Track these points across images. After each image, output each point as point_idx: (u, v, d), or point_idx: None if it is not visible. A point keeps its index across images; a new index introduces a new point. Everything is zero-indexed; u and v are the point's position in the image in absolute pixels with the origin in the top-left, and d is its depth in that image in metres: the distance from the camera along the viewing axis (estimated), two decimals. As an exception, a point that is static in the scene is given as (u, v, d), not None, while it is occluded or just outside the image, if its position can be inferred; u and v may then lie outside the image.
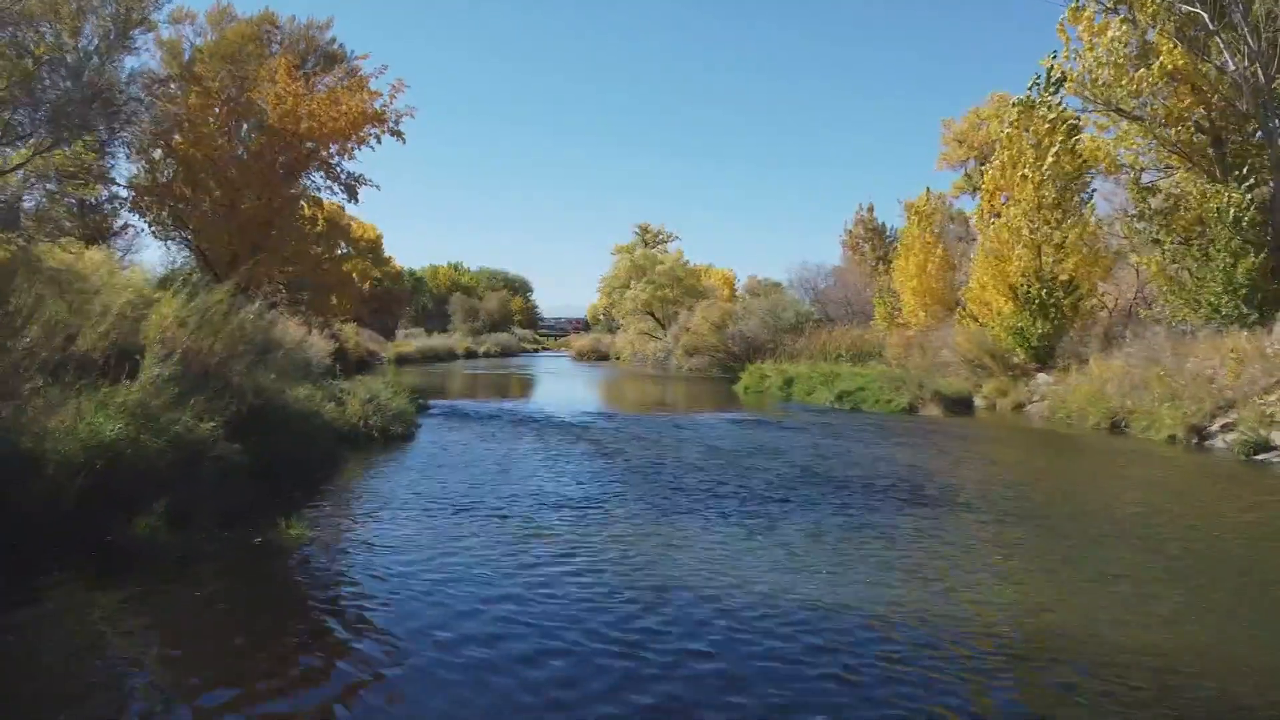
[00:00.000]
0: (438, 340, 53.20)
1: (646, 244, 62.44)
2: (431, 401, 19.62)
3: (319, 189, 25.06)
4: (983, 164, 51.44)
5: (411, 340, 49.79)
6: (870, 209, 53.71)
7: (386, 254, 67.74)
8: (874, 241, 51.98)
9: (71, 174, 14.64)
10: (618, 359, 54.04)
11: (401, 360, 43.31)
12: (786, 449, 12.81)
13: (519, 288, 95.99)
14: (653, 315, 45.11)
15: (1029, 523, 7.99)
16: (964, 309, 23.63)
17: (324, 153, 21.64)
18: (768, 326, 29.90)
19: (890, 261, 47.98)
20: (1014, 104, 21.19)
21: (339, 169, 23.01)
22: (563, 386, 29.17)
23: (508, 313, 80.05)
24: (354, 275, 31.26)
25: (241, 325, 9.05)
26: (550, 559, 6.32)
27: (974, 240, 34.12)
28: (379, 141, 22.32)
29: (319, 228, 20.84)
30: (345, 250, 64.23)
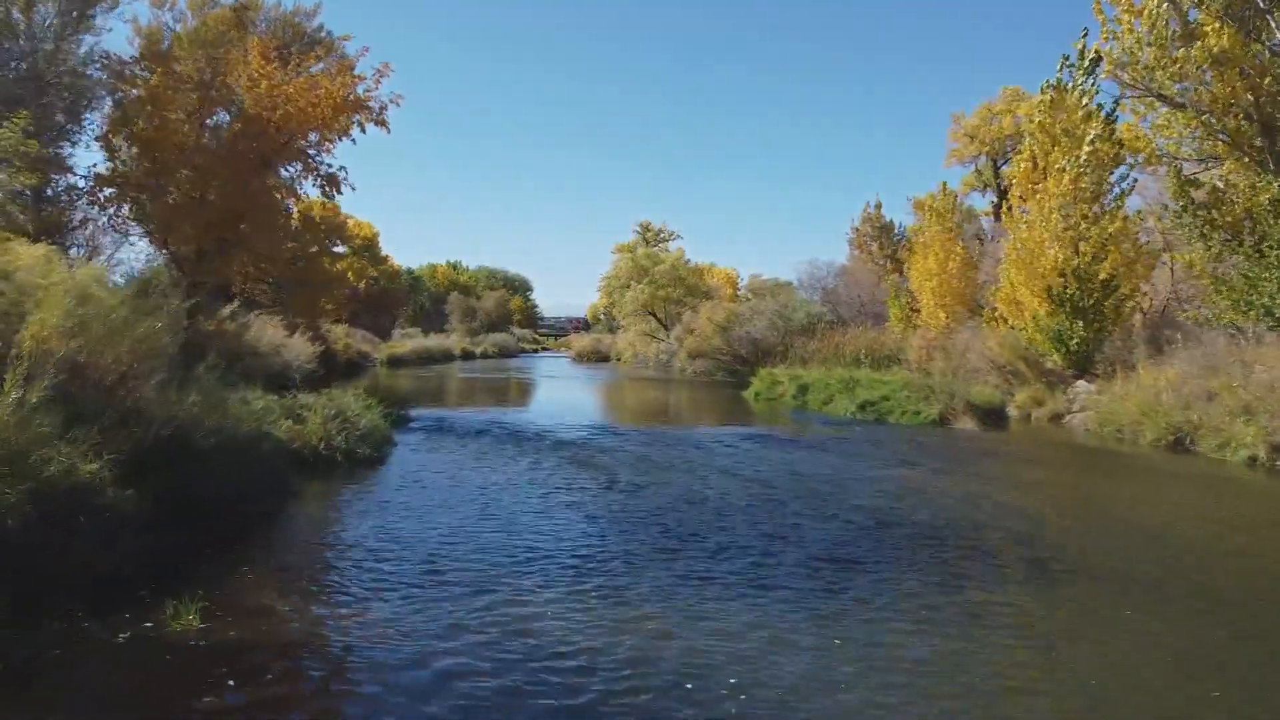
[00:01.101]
0: (434, 341, 51.35)
1: (648, 242, 60.61)
2: (416, 412, 17.78)
3: (297, 183, 23.28)
4: (995, 160, 49.77)
5: (406, 341, 47.91)
6: (878, 206, 51.89)
7: (384, 252, 66.09)
8: (882, 240, 50.29)
9: (13, 159, 12.76)
10: (618, 360, 52.20)
11: (394, 362, 41.47)
12: (819, 477, 10.96)
13: (518, 287, 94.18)
14: (654, 316, 43.27)
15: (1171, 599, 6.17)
16: (992, 310, 21.78)
17: (301, 143, 19.83)
18: (777, 328, 28.06)
19: (899, 260, 46.32)
20: (1044, 87, 19.33)
21: (317, 161, 21.24)
22: (561, 393, 27.30)
23: (506, 312, 78.20)
24: (337, 273, 29.46)
25: (153, 332, 7.18)
26: (537, 660, 4.50)
27: (989, 239, 32.32)
28: (362, 131, 20.52)
29: (294, 222, 18.97)
30: (339, 248, 62.55)
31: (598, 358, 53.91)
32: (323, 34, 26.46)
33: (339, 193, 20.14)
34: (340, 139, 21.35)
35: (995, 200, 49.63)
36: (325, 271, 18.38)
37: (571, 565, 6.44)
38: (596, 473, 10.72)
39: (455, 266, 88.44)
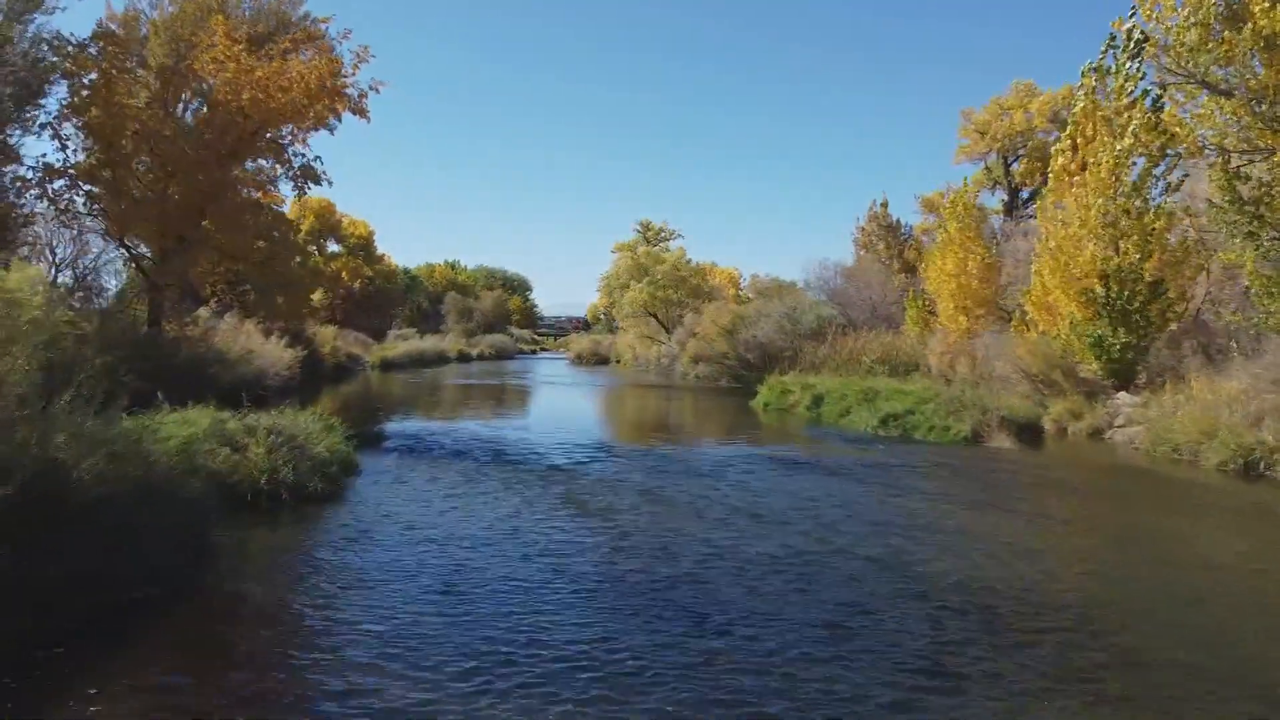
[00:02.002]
0: (429, 343, 49.55)
1: (648, 241, 58.86)
2: (394, 427, 16.06)
3: (270, 178, 21.51)
4: (1006, 157, 47.98)
5: (399, 343, 46.11)
6: (884, 205, 50.45)
7: (380, 251, 64.30)
8: (888, 239, 48.72)
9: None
10: (618, 362, 50.44)
11: (386, 365, 39.69)
12: (860, 520, 9.19)
13: (517, 286, 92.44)
14: (655, 317, 41.49)
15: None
16: (1021, 315, 20.02)
17: (274, 133, 18.06)
18: (785, 332, 26.29)
19: (906, 260, 44.53)
20: (1086, 71, 17.54)
21: (291, 153, 19.48)
22: (556, 401, 25.48)
23: (504, 313, 76.41)
24: (314, 273, 27.64)
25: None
26: None
27: (1000, 239, 30.48)
28: (337, 119, 18.77)
29: (263, 218, 17.22)
30: (334, 247, 60.73)
31: (597, 360, 52.17)
32: (308, 21, 24.75)
33: (315, 184, 18.37)
34: (316, 129, 19.70)
35: (1006, 199, 47.90)
36: (297, 271, 16.60)
37: (558, 671, 4.69)
38: (593, 519, 8.94)
39: (453, 266, 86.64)
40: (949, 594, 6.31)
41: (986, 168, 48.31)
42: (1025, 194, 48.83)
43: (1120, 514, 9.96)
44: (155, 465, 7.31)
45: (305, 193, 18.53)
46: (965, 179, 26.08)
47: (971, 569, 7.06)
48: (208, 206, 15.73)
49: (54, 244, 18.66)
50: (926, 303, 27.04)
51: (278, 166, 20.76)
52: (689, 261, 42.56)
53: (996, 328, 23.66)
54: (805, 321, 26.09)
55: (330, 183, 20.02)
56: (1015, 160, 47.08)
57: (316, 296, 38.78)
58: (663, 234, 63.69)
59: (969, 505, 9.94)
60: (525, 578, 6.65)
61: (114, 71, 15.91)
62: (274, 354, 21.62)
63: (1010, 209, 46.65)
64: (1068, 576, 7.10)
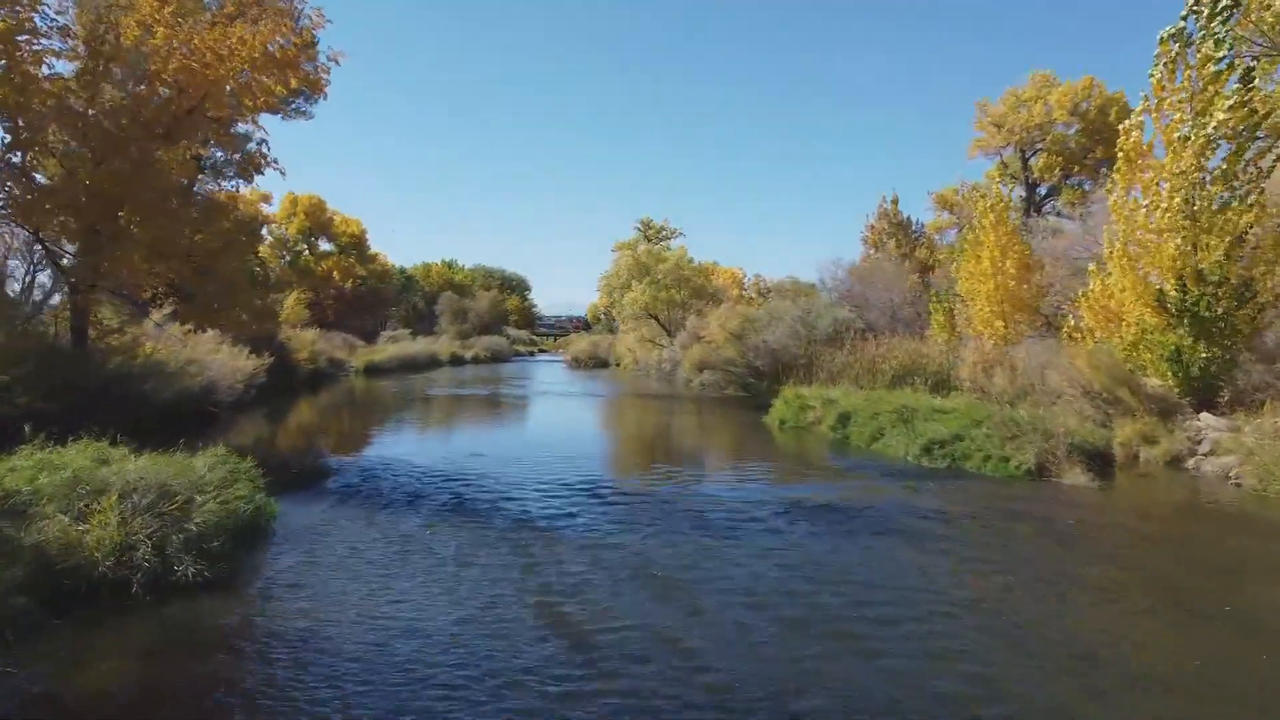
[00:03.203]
0: (419, 345, 46.83)
1: (649, 240, 56.15)
2: (345, 458, 13.38)
3: (210, 163, 18.80)
4: (1024, 151, 45.24)
5: (386, 346, 43.37)
6: (894, 201, 47.99)
7: (373, 250, 61.60)
8: (899, 237, 46.22)
9: None
10: (618, 365, 47.73)
11: (372, 370, 37.02)
12: (945, 623, 6.49)
13: (516, 286, 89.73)
14: (656, 319, 38.74)
15: None
16: (1075, 321, 17.31)
17: (212, 109, 15.31)
18: (798, 337, 23.57)
19: (918, 259, 41.77)
20: (1164, 38, 14.78)
21: (240, 135, 16.81)
22: (544, 419, 22.67)
23: (501, 313, 73.60)
24: (261, 272, 24.95)
25: None
26: None
27: (1028, 234, 27.65)
28: (291, 94, 16.10)
29: (210, 211, 14.53)
30: (325, 245, 57.97)
31: (595, 363, 49.45)
32: (281, 2, 22.08)
33: (259, 173, 15.68)
34: (272, 110, 17.05)
35: (1024, 194, 45.19)
36: (233, 270, 13.90)
37: None
38: (565, 618, 6.26)
39: (450, 265, 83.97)
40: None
41: (1003, 162, 45.60)
42: (1043, 190, 46.27)
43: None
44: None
45: (249, 181, 15.79)
46: (999, 167, 23.22)
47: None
48: (125, 195, 13.01)
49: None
50: (951, 306, 24.33)
51: (222, 151, 18.14)
52: (692, 261, 39.75)
53: (1035, 334, 21.00)
54: (821, 326, 23.36)
55: (283, 172, 17.39)
56: (1033, 154, 44.45)
57: (292, 300, 36.11)
58: (664, 232, 60.97)
59: (1097, 595, 7.22)
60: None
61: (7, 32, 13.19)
62: (227, 363, 18.93)
63: (1028, 205, 44.03)
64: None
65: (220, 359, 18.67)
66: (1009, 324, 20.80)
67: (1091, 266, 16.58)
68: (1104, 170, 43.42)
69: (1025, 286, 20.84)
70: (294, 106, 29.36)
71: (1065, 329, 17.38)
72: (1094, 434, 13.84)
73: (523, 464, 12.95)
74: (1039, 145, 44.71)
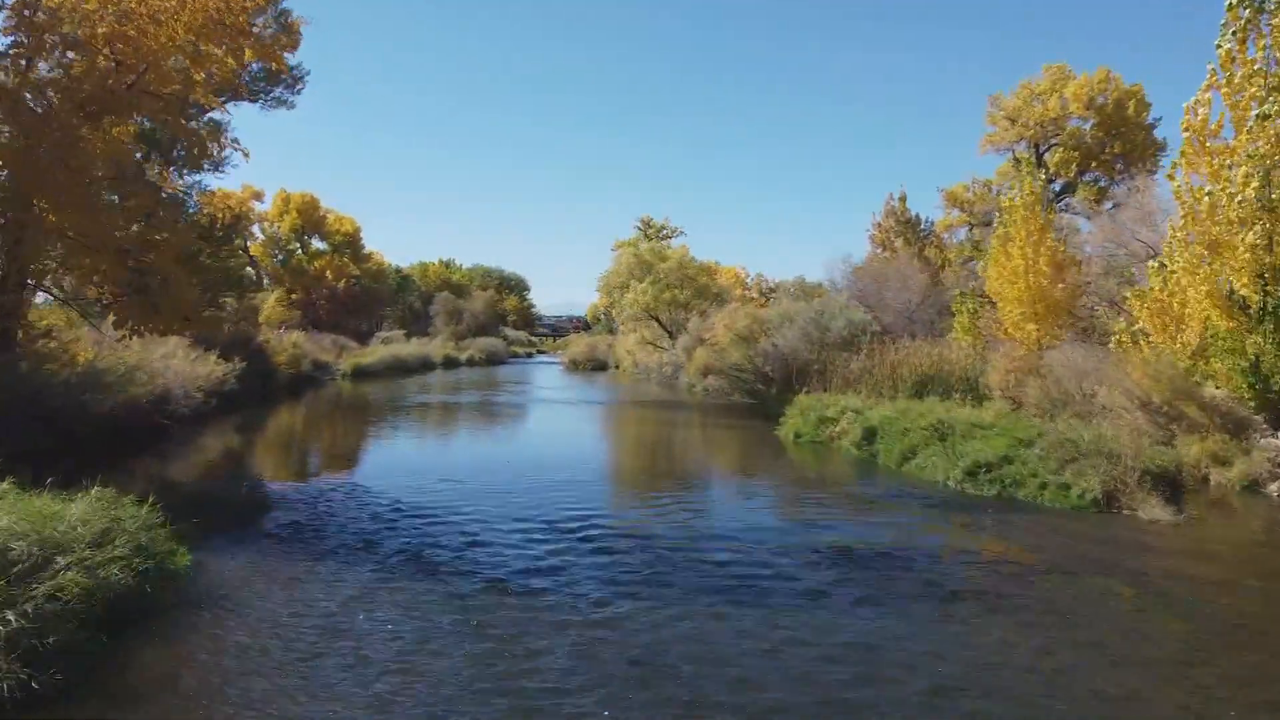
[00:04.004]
0: (412, 347, 44.86)
1: (649, 238, 54.20)
2: (290, 487, 11.44)
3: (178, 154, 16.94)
4: (1038, 146, 43.32)
5: (376, 348, 41.39)
6: (902, 199, 46.17)
7: (368, 249, 59.56)
8: (907, 235, 44.44)
9: None
10: (617, 368, 45.77)
11: (360, 374, 35.03)
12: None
13: (515, 286, 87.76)
14: (658, 320, 36.77)
15: None
16: (1128, 325, 15.37)
17: (155, 83, 13.36)
18: (811, 340, 21.64)
19: (926, 258, 39.77)
20: (1233, 4, 12.80)
21: (194, 119, 14.91)
22: (535, 432, 20.68)
23: (497, 313, 71.59)
24: (221, 270, 22.94)
25: None
26: None
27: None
28: (241, 65, 14.20)
29: (140, 199, 12.59)
30: (319, 244, 55.99)
31: (593, 365, 47.49)
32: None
33: (207, 157, 13.74)
34: (222, 86, 15.15)
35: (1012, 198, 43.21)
36: (172, 264, 11.96)
37: None
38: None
39: (448, 265, 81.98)
40: None
41: (1015, 158, 43.64)
42: (1057, 186, 44.31)
43: None
44: None
45: (199, 169, 13.85)
46: (1029, 157, 21.29)
47: None
48: (38, 182, 11.05)
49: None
50: (976, 305, 22.40)
51: (177, 138, 16.26)
52: (694, 260, 37.73)
53: (1069, 338, 19.10)
54: (836, 328, 21.42)
55: (246, 154, 15.46)
56: (1047, 149, 42.53)
57: (273, 300, 34.14)
58: (664, 231, 58.98)
59: (1251, 694, 5.29)
60: None
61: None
62: (184, 370, 16.99)
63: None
64: None
65: (176, 365, 16.72)
66: (1042, 327, 18.86)
67: (1151, 263, 14.64)
68: (1119, 166, 41.49)
69: (1060, 286, 18.87)
70: (273, 95, 27.46)
71: (1116, 333, 15.43)
72: (1161, 455, 11.90)
73: (501, 494, 10.99)
74: (1053, 140, 42.77)
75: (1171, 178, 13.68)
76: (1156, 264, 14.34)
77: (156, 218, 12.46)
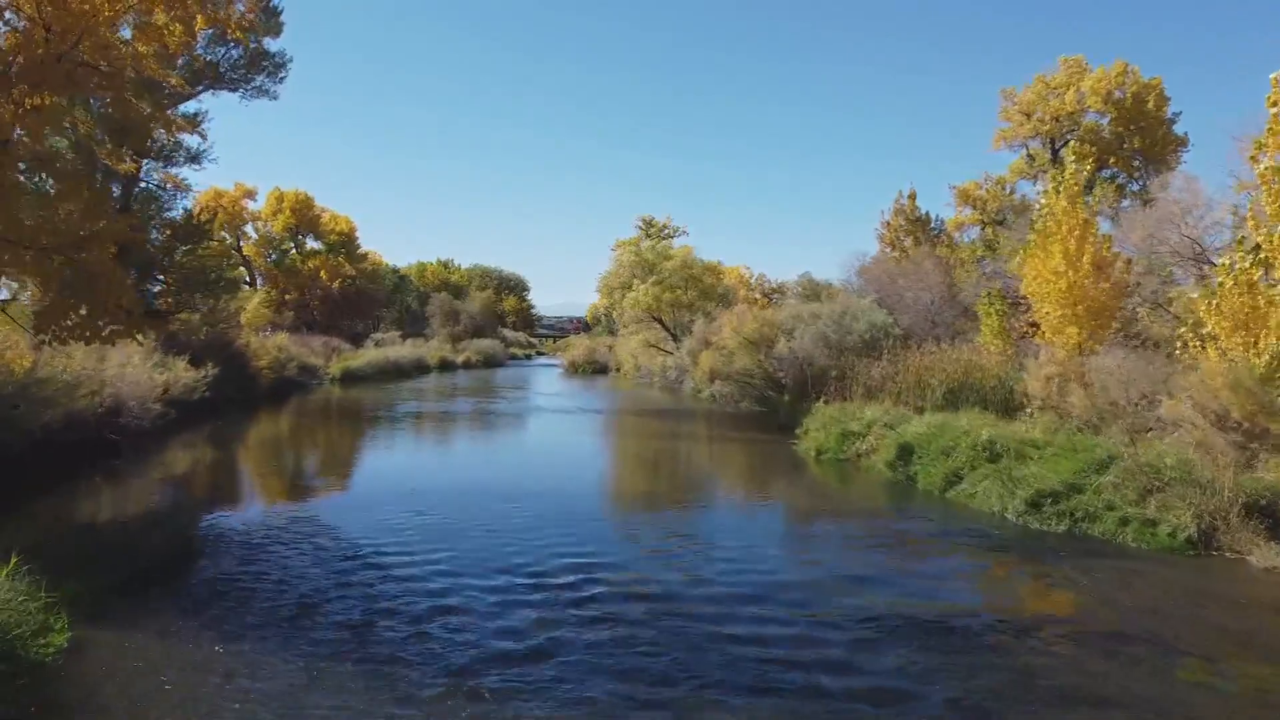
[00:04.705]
0: (405, 349, 43.05)
1: (651, 238, 52.42)
2: (236, 519, 9.67)
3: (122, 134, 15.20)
4: (1054, 141, 41.54)
5: (367, 351, 39.58)
6: (911, 197, 44.51)
7: (364, 249, 57.76)
8: (917, 234, 42.77)
9: None
10: (618, 371, 43.96)
11: (350, 378, 33.23)
12: None
13: (514, 286, 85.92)
14: (661, 322, 34.97)
15: None
16: (1195, 328, 13.55)
17: (89, 53, 11.57)
18: (829, 345, 19.84)
19: (939, 257, 37.96)
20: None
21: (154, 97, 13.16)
22: (528, 445, 18.84)
23: (496, 314, 69.77)
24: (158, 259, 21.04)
25: None
26: None
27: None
28: (192, 36, 12.39)
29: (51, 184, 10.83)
30: (313, 243, 54.17)
31: (594, 369, 45.67)
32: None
33: (151, 140, 11.95)
34: (204, 90, 13.41)
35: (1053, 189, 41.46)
36: (102, 260, 10.18)
37: None
38: None
39: (447, 265, 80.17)
40: None
41: (1029, 154, 41.90)
42: (1073, 184, 42.48)
43: None
44: None
45: (140, 155, 12.07)
46: (1073, 145, 19.55)
47: None
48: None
49: None
50: (1004, 308, 20.62)
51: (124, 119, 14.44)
52: (699, 259, 35.87)
53: (1112, 341, 17.35)
54: (857, 330, 19.62)
55: (203, 135, 13.67)
56: (1063, 145, 40.74)
57: (256, 301, 32.37)
58: (666, 230, 57.16)
59: None
60: None
61: None
62: (139, 379, 15.20)
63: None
64: None
65: (132, 374, 14.93)
66: (1085, 330, 17.06)
67: (1222, 260, 12.84)
68: (1137, 162, 39.68)
69: (1104, 286, 17.08)
70: (254, 84, 25.65)
71: (1181, 337, 13.63)
72: (1256, 483, 10.11)
73: (478, 535, 9.16)
74: (1069, 135, 40.98)
75: (1255, 159, 11.87)
76: (1228, 260, 12.53)
77: (94, 207, 10.67)
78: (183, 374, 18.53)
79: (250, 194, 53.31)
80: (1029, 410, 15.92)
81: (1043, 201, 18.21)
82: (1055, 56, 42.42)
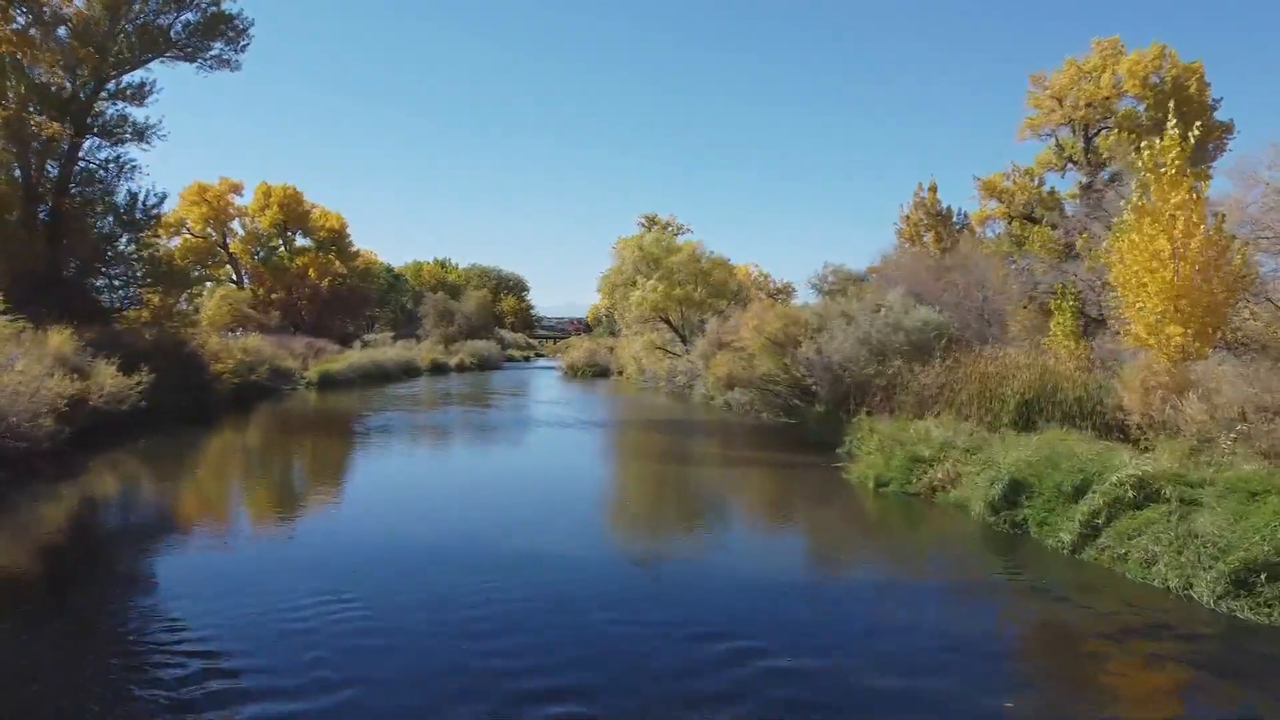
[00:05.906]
0: (395, 351, 39.84)
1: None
2: (139, 591, 6.43)
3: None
4: (1087, 128, 38.25)
5: (350, 354, 36.28)
6: (932, 189, 41.56)
7: (356, 247, 54.47)
8: (938, 229, 39.78)
9: None
10: (620, 374, 40.68)
11: (330, 383, 29.98)
12: None
13: (513, 286, 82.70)
14: (668, 322, 31.74)
15: None
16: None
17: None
18: (872, 347, 16.62)
19: (962, 254, 34.73)
20: None
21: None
22: (513, 473, 14.81)
23: (492, 315, 66.49)
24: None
25: None
26: None
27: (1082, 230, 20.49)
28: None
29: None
30: (302, 240, 50.96)
31: (594, 372, 42.37)
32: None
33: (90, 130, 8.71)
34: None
35: (1084, 181, 38.26)
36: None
37: None
38: None
39: (444, 265, 76.98)
40: None
41: (1057, 144, 38.68)
42: (1106, 174, 39.33)
43: None
44: None
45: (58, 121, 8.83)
46: (1173, 121, 16.34)
47: None
48: None
49: None
50: (1077, 305, 17.43)
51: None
52: (709, 253, 32.54)
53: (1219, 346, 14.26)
54: (911, 329, 16.36)
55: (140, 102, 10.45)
56: (1096, 133, 37.56)
57: (217, 298, 29.12)
58: (670, 228, 53.94)
59: None
60: None
61: None
62: (24, 387, 11.92)
63: (1089, 194, 37.16)
64: None
65: (10, 381, 11.65)
66: (1192, 332, 13.81)
67: None
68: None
69: (1216, 278, 13.84)
70: (212, 53, 22.42)
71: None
72: None
73: (442, 609, 5.95)
74: (1103, 123, 37.71)
75: None
76: None
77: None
78: (108, 381, 15.31)
79: (237, 188, 50.18)
80: (1134, 429, 12.79)
81: (1139, 170, 14.92)
82: (1061, 58, 38.96)
